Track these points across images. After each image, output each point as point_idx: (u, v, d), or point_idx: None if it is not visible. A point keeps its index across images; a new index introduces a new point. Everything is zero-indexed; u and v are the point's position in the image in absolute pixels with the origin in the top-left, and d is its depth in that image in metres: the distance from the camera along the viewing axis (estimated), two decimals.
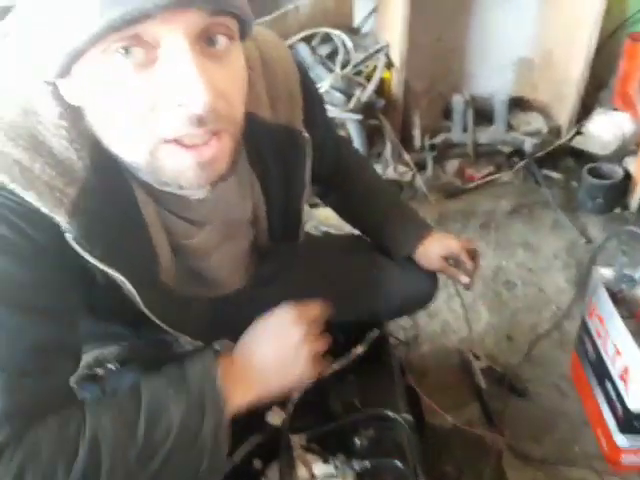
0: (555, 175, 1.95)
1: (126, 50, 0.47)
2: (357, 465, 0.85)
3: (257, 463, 0.85)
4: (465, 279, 0.98)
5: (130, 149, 0.53)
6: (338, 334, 1.04)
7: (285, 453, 0.83)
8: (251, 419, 0.79)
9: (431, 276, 1.01)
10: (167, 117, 0.50)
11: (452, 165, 1.98)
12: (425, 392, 1.12)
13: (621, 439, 1.08)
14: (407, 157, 1.87)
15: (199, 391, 0.61)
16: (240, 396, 0.64)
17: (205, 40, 0.49)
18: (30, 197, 0.52)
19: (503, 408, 1.24)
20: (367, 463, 0.86)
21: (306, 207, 0.88)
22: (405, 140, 1.92)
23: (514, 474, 1.13)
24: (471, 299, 1.56)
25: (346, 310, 0.95)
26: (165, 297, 0.72)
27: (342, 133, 1.69)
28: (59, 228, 0.54)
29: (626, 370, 1.04)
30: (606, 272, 1.17)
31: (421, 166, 1.93)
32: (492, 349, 1.41)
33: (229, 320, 0.87)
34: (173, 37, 0.47)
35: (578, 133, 1.92)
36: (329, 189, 1.02)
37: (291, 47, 1.73)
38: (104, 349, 0.86)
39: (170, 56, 0.47)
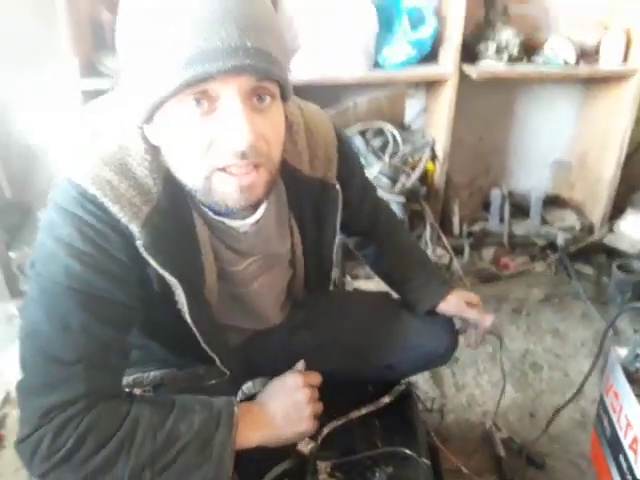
0: (587, 270, 2.05)
1: (197, 101, 0.63)
2: None
3: None
4: (489, 319, 1.06)
5: (191, 175, 0.69)
6: (367, 385, 1.17)
7: (311, 476, 0.93)
8: (284, 447, 0.92)
9: (451, 331, 1.11)
10: (220, 152, 0.66)
11: (488, 253, 2.12)
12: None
13: None
14: (445, 241, 2.02)
15: (218, 412, 0.76)
16: (251, 434, 0.78)
17: (255, 97, 0.66)
18: (115, 209, 0.68)
19: (521, 478, 1.29)
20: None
21: (348, 278, 1.05)
22: (444, 226, 2.09)
23: None
24: (497, 378, 1.64)
25: (370, 359, 1.09)
26: (207, 315, 0.86)
27: None
28: (132, 238, 0.70)
29: (636, 440, 1.10)
30: (622, 352, 1.26)
31: (458, 251, 2.08)
32: (514, 424, 1.48)
33: (260, 355, 1.02)
34: (229, 94, 0.63)
35: (610, 231, 2.04)
36: (366, 243, 1.16)
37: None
38: (144, 373, 0.98)
39: (226, 107, 0.64)
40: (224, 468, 0.73)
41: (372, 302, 1.17)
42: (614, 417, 1.22)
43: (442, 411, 1.51)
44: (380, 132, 2.06)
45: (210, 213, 0.78)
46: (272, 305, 1.01)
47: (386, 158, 1.90)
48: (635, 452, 1.10)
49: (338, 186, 0.90)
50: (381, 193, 1.80)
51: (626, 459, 1.14)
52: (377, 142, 2.04)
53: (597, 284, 1.99)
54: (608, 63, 1.95)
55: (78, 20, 1.64)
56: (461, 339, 1.15)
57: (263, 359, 1.02)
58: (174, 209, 0.75)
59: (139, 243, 0.70)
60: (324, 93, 1.98)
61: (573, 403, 1.53)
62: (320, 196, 0.90)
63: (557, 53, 1.96)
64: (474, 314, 1.07)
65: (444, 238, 2.01)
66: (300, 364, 0.93)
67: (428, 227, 1.99)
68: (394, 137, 1.99)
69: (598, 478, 1.30)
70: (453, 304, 1.07)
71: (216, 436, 0.73)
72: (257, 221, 0.83)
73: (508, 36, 1.93)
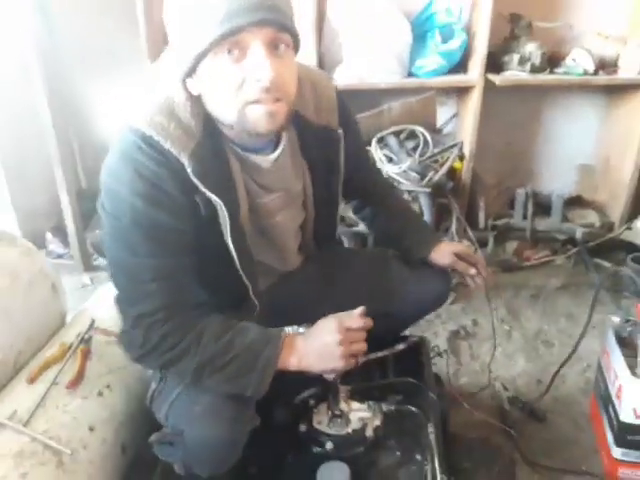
0: (605, 264, 2.19)
1: (229, 52, 0.81)
2: (385, 407, 1.16)
3: (312, 402, 1.16)
4: (472, 270, 1.20)
5: (228, 110, 0.86)
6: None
7: (333, 394, 1.11)
8: (311, 377, 1.12)
9: (444, 275, 1.24)
10: (250, 88, 0.83)
11: (511, 246, 2.29)
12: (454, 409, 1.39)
13: (617, 452, 1.27)
14: (471, 234, 2.20)
15: (269, 335, 0.93)
16: (290, 360, 0.93)
17: (274, 46, 0.83)
18: (167, 144, 0.85)
19: (522, 428, 1.46)
20: (392, 407, 1.16)
21: None
22: (470, 219, 2.27)
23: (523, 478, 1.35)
24: (511, 350, 1.81)
25: (373, 307, 1.18)
26: (243, 241, 1.01)
27: (415, 205, 2.07)
28: (183, 170, 0.86)
29: (620, 388, 1.26)
30: (616, 319, 1.43)
31: (483, 243, 2.25)
32: (522, 387, 1.64)
33: (281, 299, 1.19)
34: (256, 43, 0.81)
35: (628, 228, 2.18)
36: (363, 205, 1.33)
37: (383, 138, 2.20)
38: None
39: (254, 54, 0.81)
40: (264, 380, 0.90)
41: (372, 256, 1.35)
42: (606, 375, 1.39)
43: (456, 375, 1.70)
44: (414, 135, 2.27)
45: (239, 150, 0.95)
46: (291, 242, 1.17)
47: (416, 156, 2.12)
48: (619, 399, 1.27)
49: (340, 130, 1.07)
50: (410, 186, 2.03)
51: (613, 407, 1.30)
52: (410, 144, 2.25)
53: (614, 276, 2.13)
54: (626, 73, 2.11)
55: (153, 27, 1.94)
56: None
57: (284, 303, 1.20)
58: (212, 145, 0.91)
59: (189, 170, 0.86)
60: (363, 97, 2.23)
61: (579, 373, 1.70)
62: (326, 140, 1.06)
63: (578, 64, 2.14)
64: (462, 265, 1.21)
65: (469, 230, 2.20)
66: (359, 309, 0.99)
67: (454, 220, 2.17)
68: (425, 139, 2.20)
69: (595, 432, 1.46)
70: (444, 256, 1.21)
71: (264, 352, 0.90)
72: (276, 159, 1.00)
73: (531, 48, 2.13)
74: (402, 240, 1.26)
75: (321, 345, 0.93)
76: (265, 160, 0.99)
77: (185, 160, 0.86)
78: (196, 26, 0.80)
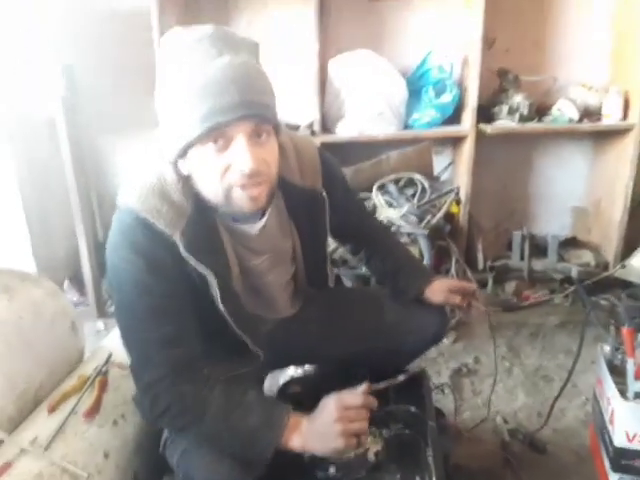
0: (602, 301, 2.24)
1: (215, 142, 0.88)
2: (386, 433, 1.21)
3: None
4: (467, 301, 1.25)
5: (214, 194, 0.94)
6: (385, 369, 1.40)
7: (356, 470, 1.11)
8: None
9: (440, 312, 1.29)
10: (233, 175, 0.90)
11: (510, 286, 2.36)
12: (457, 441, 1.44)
13: (614, 477, 1.30)
14: (470, 275, 2.28)
15: (271, 421, 0.95)
16: (294, 442, 0.95)
17: (256, 135, 0.90)
18: (160, 226, 0.93)
19: (523, 459, 1.49)
20: (392, 433, 1.21)
21: None
22: (469, 261, 2.36)
23: None
24: (511, 386, 1.86)
25: (371, 345, 1.29)
26: (237, 303, 1.08)
27: (415, 248, 2.17)
28: (175, 246, 0.94)
29: (612, 413, 1.30)
30: (607, 347, 1.48)
31: (482, 284, 2.33)
32: (522, 420, 1.68)
33: (283, 343, 1.25)
34: (238, 135, 0.88)
35: (622, 267, 2.25)
36: (358, 248, 1.39)
37: (383, 185, 2.33)
38: None
39: (236, 145, 0.89)
40: (263, 459, 0.94)
41: (371, 295, 1.40)
42: (601, 403, 1.43)
43: (459, 410, 1.74)
44: (412, 182, 2.40)
45: (228, 221, 1.04)
46: (282, 296, 1.25)
47: (415, 201, 2.23)
48: (612, 424, 1.31)
49: (324, 193, 1.14)
50: (409, 229, 2.13)
51: (608, 433, 1.34)
52: (409, 190, 2.37)
53: (611, 312, 2.19)
54: (609, 120, 2.25)
55: None
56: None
57: (288, 346, 1.26)
58: (203, 220, 0.99)
59: (181, 248, 0.94)
60: (363, 148, 2.37)
61: (578, 406, 1.74)
62: (311, 202, 1.13)
63: (564, 113, 2.28)
64: (455, 299, 1.25)
65: (469, 272, 2.28)
66: (362, 387, 1.01)
67: (454, 262, 2.26)
68: (422, 185, 2.32)
69: (595, 462, 1.48)
70: (437, 294, 1.25)
71: (264, 438, 0.94)
72: (263, 225, 1.07)
73: (519, 100, 2.28)
74: (397, 280, 1.31)
75: (321, 425, 0.95)
76: (252, 227, 1.07)
77: (177, 239, 0.94)
78: (183, 120, 0.88)
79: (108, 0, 2.34)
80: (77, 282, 2.50)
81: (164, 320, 0.96)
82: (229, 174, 0.91)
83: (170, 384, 0.95)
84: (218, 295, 1.01)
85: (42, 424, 1.12)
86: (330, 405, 0.96)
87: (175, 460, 1.03)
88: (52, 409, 1.16)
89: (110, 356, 1.36)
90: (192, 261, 0.96)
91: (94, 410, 1.18)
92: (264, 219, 1.07)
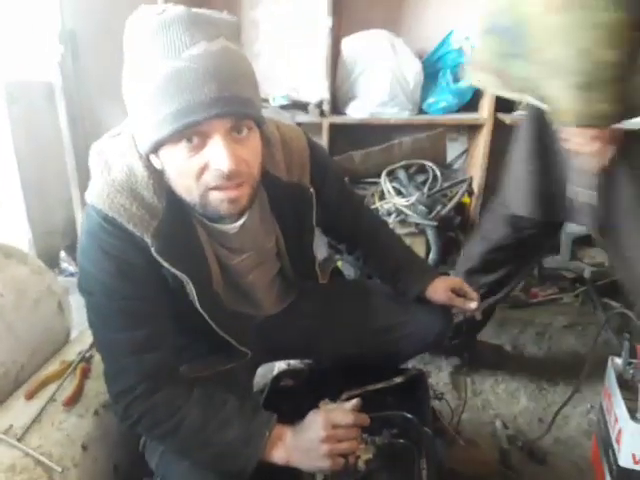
0: (613, 303, 2.16)
1: (188, 140, 0.78)
2: (378, 440, 1.15)
3: None
4: (472, 304, 1.18)
5: (189, 194, 0.84)
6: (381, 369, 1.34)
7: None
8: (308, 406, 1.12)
9: (444, 312, 1.21)
10: (210, 176, 0.80)
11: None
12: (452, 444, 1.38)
13: None
14: None
15: (250, 435, 0.89)
16: (275, 455, 0.89)
17: (235, 131, 0.80)
18: (130, 226, 0.85)
19: (521, 468, 1.43)
20: (385, 441, 1.15)
21: None
22: None
23: None
24: (514, 388, 1.79)
25: (367, 345, 1.22)
26: (218, 303, 1.02)
27: (422, 239, 2.09)
28: (147, 246, 0.85)
29: (620, 432, 1.24)
30: (618, 360, 1.41)
31: None
32: (522, 426, 1.62)
33: (274, 338, 1.20)
34: (214, 132, 0.78)
35: None
36: (354, 247, 1.30)
37: (393, 171, 2.24)
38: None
39: (213, 143, 0.78)
40: (244, 476, 0.88)
41: (371, 290, 1.29)
42: (607, 417, 1.36)
43: (457, 410, 1.68)
44: (423, 169, 2.31)
45: (205, 220, 0.94)
46: (266, 295, 1.17)
47: (425, 190, 2.14)
48: (619, 443, 1.25)
49: (312, 189, 1.05)
50: (417, 219, 2.05)
51: (613, 451, 1.28)
52: (420, 178, 2.29)
53: (622, 316, 2.10)
54: None
55: None
56: None
57: (279, 340, 1.20)
58: (178, 219, 0.90)
59: (152, 249, 0.86)
60: (373, 132, 2.28)
61: (582, 414, 1.67)
62: (297, 198, 1.04)
63: None
64: (459, 302, 1.19)
65: None
66: (352, 403, 0.96)
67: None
68: (434, 173, 2.23)
69: (595, 477, 1.42)
70: (439, 293, 1.19)
71: (243, 453, 0.88)
72: (242, 225, 0.98)
73: None
74: (396, 280, 1.24)
75: (306, 442, 0.89)
76: (231, 227, 0.98)
77: (148, 240, 0.86)
78: (153, 116, 0.77)
79: None
80: (73, 252, 2.44)
81: (135, 324, 0.89)
82: (206, 175, 0.81)
83: (141, 394, 0.88)
84: (195, 298, 0.94)
85: (19, 411, 1.07)
86: (318, 422, 0.90)
87: (154, 462, 0.98)
88: (30, 396, 1.11)
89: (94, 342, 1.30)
90: (165, 264, 0.88)
91: (74, 398, 1.12)
92: (243, 218, 0.98)
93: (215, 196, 0.83)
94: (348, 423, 0.91)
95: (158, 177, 0.87)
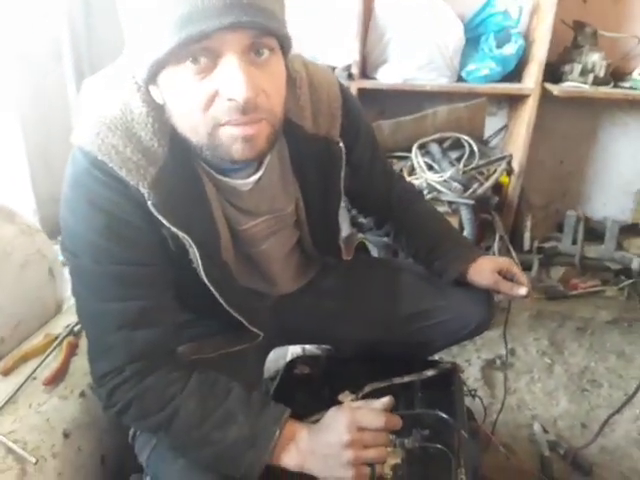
0: None
1: (194, 60, 0.62)
2: (408, 443, 0.99)
3: None
4: (522, 290, 0.96)
5: (195, 132, 0.68)
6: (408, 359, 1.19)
7: None
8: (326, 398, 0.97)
9: (485, 298, 1.03)
10: (221, 108, 0.64)
11: (557, 271, 2.09)
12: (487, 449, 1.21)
13: None
14: (514, 255, 2.02)
15: (255, 435, 0.73)
16: (286, 459, 0.74)
17: (254, 51, 0.64)
18: (122, 173, 0.69)
19: (563, 479, 1.27)
20: (417, 444, 0.99)
21: None
22: (515, 240, 2.09)
23: None
24: (552, 387, 1.61)
25: (395, 333, 1.06)
26: (226, 275, 0.86)
27: (454, 219, 1.90)
28: (143, 200, 0.69)
29: None
30: None
31: (526, 267, 2.06)
32: (563, 431, 1.45)
33: (291, 319, 1.04)
34: (228, 50, 0.62)
35: None
36: (384, 219, 1.12)
37: (425, 145, 2.05)
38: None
39: (225, 64, 0.63)
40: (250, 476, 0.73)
41: (400, 274, 1.12)
42: None
43: (490, 408, 1.52)
44: (458, 144, 2.11)
45: (214, 173, 0.79)
46: (281, 269, 1.01)
47: (460, 166, 1.95)
48: None
49: (342, 144, 0.87)
50: (451, 197, 1.86)
51: None
52: (454, 153, 2.09)
53: None
54: None
55: None
56: None
57: (297, 321, 1.05)
58: (182, 168, 0.74)
59: (149, 203, 0.70)
60: (405, 100, 2.09)
61: (631, 420, 1.49)
62: (324, 155, 0.87)
63: None
64: (507, 287, 0.97)
65: (513, 251, 2.01)
66: (382, 401, 0.80)
67: (497, 239, 1.99)
68: (471, 148, 2.03)
69: None
70: (484, 275, 0.99)
71: (245, 457, 0.73)
72: (258, 181, 0.83)
73: (595, 59, 1.95)
74: (433, 258, 1.05)
75: (325, 445, 0.73)
76: (244, 183, 0.82)
77: (145, 191, 0.70)
78: (151, 28, 0.61)
79: None
80: None
81: (128, 294, 0.73)
82: (215, 106, 0.65)
83: (130, 377, 0.73)
84: (200, 267, 0.78)
85: None
86: (341, 422, 0.73)
87: (145, 457, 0.82)
88: (6, 372, 0.96)
89: None
90: (165, 222, 0.72)
91: (57, 377, 0.98)
92: (260, 172, 0.82)
93: (227, 133, 0.67)
94: (378, 426, 0.74)
95: (159, 115, 0.71)
